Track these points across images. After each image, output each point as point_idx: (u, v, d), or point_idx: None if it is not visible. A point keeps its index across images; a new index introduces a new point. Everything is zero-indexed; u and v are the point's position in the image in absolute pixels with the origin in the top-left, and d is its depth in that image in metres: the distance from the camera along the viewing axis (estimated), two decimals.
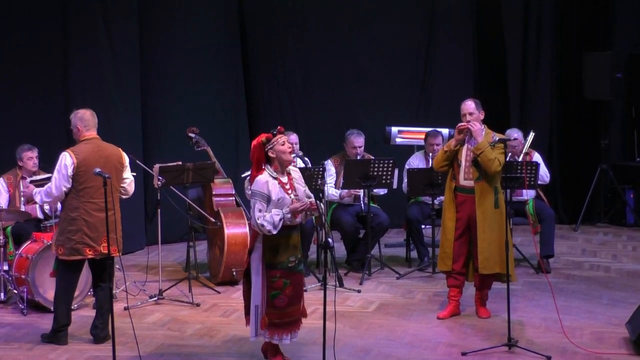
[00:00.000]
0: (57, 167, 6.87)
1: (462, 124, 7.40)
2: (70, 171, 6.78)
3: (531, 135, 9.26)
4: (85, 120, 6.95)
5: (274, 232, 6.05)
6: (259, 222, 6.05)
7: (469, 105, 7.46)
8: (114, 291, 6.92)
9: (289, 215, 6.08)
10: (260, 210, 6.08)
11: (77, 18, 9.94)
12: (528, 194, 9.12)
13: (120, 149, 7.11)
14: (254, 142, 6.23)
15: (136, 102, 10.50)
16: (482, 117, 7.47)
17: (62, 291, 7.04)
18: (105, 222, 6.49)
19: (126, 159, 7.10)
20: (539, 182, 9.14)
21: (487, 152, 7.24)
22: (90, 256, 6.89)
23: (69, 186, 6.82)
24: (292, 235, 6.26)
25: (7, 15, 9.78)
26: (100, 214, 6.75)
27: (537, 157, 9.31)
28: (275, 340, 6.28)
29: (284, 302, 6.21)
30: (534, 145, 9.44)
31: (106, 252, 6.76)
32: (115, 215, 6.95)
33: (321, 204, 6.31)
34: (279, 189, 6.14)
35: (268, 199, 6.10)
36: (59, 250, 6.91)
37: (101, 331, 7.00)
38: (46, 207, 8.44)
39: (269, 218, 6.04)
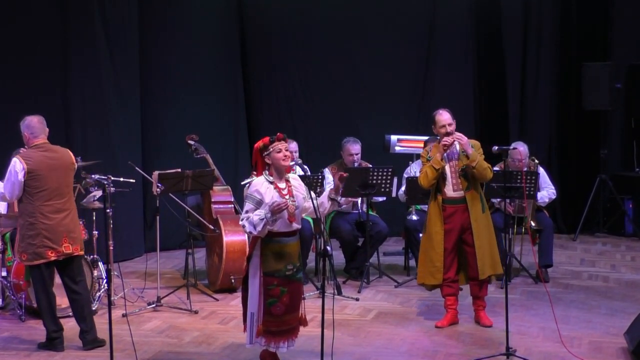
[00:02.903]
0: (7, 173, 6.93)
1: (448, 138, 7.31)
2: (21, 177, 6.84)
3: (536, 162, 9.21)
4: (32, 127, 7.02)
5: (255, 233, 6.04)
6: (240, 223, 6.10)
7: (447, 116, 7.39)
8: (112, 298, 6.89)
9: (269, 215, 6.03)
10: (246, 212, 6.10)
11: (77, 26, 9.95)
12: (526, 212, 9.06)
13: (69, 150, 7.17)
14: (255, 145, 6.26)
15: (135, 109, 10.51)
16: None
17: (41, 299, 7.06)
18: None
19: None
20: (547, 200, 9.19)
21: (482, 162, 7.29)
22: (53, 258, 6.93)
23: (18, 193, 6.88)
24: (291, 243, 6.24)
25: (6, 24, 9.78)
26: (57, 215, 6.90)
27: (542, 172, 9.26)
28: (272, 347, 6.27)
29: (280, 310, 6.19)
30: (535, 156, 9.43)
31: (69, 251, 6.92)
32: (72, 214, 7.03)
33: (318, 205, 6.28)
34: (275, 193, 6.13)
35: (259, 202, 6.09)
36: (23, 256, 6.97)
37: (88, 334, 7.01)
38: None
39: (250, 219, 6.04)
